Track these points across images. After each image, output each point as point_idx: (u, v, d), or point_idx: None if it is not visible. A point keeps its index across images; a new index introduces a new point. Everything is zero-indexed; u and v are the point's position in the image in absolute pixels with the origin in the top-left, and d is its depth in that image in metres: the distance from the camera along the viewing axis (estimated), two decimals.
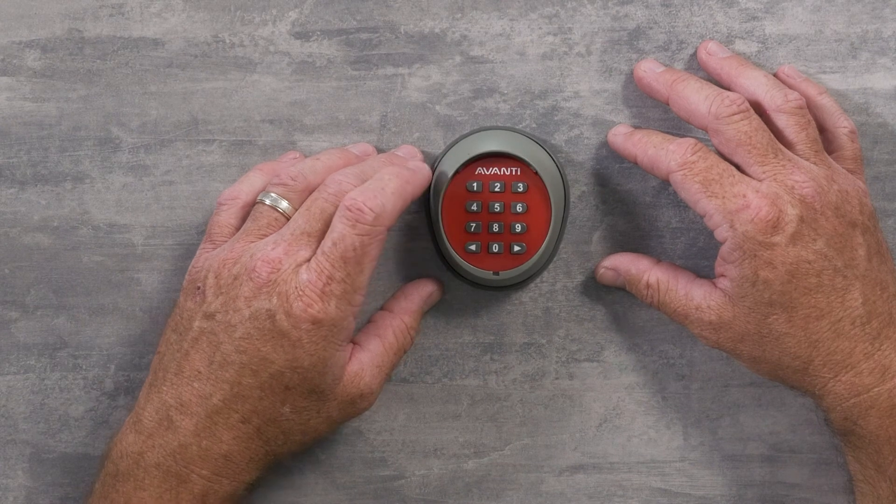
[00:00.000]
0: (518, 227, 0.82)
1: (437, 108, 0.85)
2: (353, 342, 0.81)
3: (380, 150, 0.85)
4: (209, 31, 0.85)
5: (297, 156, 0.84)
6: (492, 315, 0.87)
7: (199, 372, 0.77)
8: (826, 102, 0.83)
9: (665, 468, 0.87)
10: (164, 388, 0.78)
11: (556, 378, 0.87)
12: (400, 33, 0.85)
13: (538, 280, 0.86)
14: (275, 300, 0.76)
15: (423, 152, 0.85)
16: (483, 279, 0.83)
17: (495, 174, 0.82)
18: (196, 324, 0.78)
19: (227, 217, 0.82)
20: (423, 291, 0.85)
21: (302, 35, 0.85)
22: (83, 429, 0.87)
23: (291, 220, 0.78)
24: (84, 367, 0.87)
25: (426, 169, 0.80)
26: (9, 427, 0.87)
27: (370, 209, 0.76)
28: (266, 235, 0.79)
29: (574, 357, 0.87)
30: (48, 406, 0.87)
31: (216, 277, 0.78)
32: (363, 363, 0.80)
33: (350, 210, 0.76)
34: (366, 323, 0.84)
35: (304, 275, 0.76)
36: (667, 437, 0.87)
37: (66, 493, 0.87)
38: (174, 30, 0.85)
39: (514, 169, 0.82)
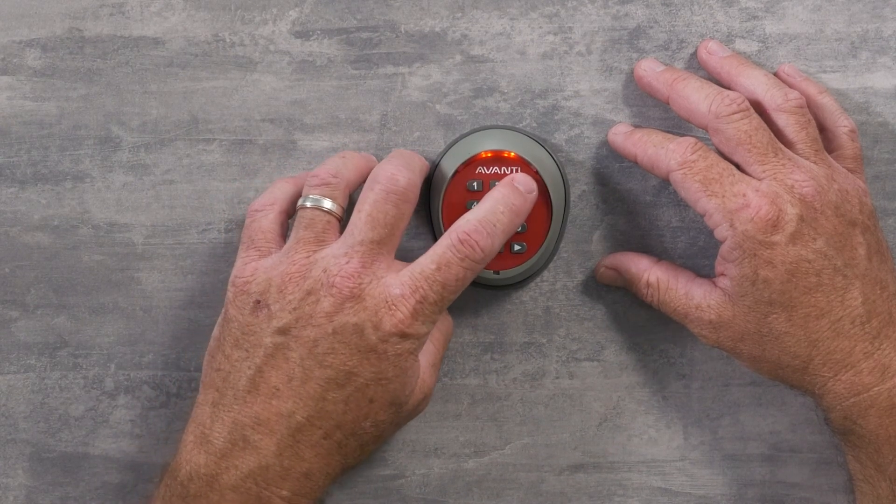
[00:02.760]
0: (518, 227, 0.83)
1: (438, 107, 0.85)
2: None
3: (380, 150, 0.85)
4: (209, 30, 0.85)
5: None
6: (492, 314, 0.87)
7: (278, 389, 0.76)
8: (826, 101, 0.83)
9: (665, 467, 0.87)
10: (236, 407, 0.76)
11: (557, 377, 0.87)
12: (400, 32, 0.85)
13: (538, 279, 0.86)
14: (362, 314, 0.75)
15: (423, 151, 0.85)
16: (483, 279, 0.83)
17: (495, 173, 0.82)
18: (267, 339, 0.76)
19: (268, 223, 0.80)
20: None
21: (302, 34, 0.85)
22: (83, 428, 0.87)
23: (354, 226, 0.77)
24: (84, 366, 0.87)
25: (534, 186, 0.80)
26: (9, 427, 0.87)
27: (482, 249, 0.76)
28: (324, 241, 0.77)
29: (574, 356, 0.87)
30: (48, 405, 0.87)
31: (280, 292, 0.76)
32: (424, 367, 0.80)
33: (463, 244, 0.76)
34: None
35: (396, 289, 0.75)
36: (667, 437, 0.87)
37: (66, 493, 0.87)
38: (174, 29, 0.85)
39: (514, 168, 0.82)
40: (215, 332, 0.79)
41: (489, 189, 0.82)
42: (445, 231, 0.79)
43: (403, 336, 0.75)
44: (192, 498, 0.76)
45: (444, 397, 0.87)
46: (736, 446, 0.87)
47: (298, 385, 0.76)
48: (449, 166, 0.82)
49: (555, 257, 0.86)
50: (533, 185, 0.79)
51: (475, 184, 0.82)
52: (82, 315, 0.86)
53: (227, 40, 0.85)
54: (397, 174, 0.77)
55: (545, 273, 0.86)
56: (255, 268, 0.78)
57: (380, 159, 0.84)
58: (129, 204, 0.86)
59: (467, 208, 0.82)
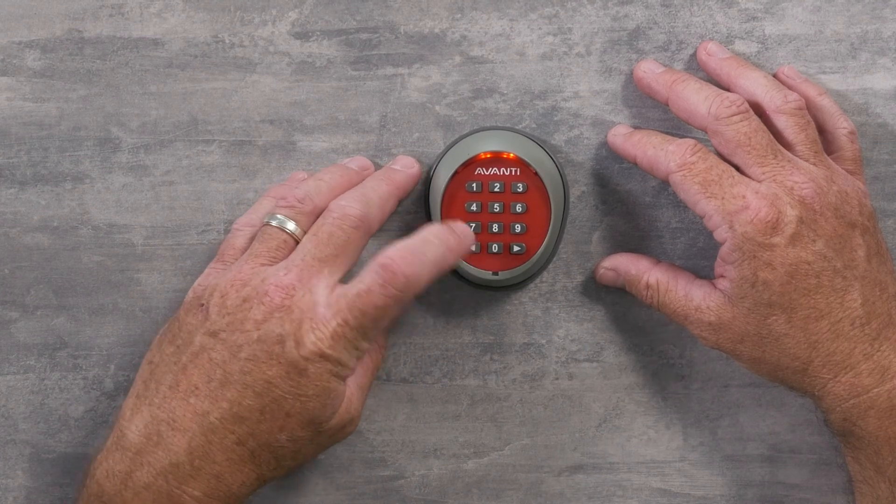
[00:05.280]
0: (518, 228, 0.83)
1: (437, 108, 0.85)
2: None
3: (379, 151, 0.85)
4: (209, 31, 0.85)
5: (305, 177, 0.84)
6: (492, 315, 0.87)
7: (197, 388, 0.76)
8: (825, 103, 0.83)
9: (665, 468, 0.87)
10: (157, 401, 0.76)
11: (556, 378, 0.87)
12: (400, 33, 0.85)
13: (538, 280, 0.86)
14: (287, 326, 0.75)
15: (423, 152, 0.85)
16: (483, 279, 0.83)
17: (495, 174, 0.82)
18: (197, 339, 0.77)
19: (243, 241, 0.81)
20: None
21: (302, 35, 0.85)
22: (83, 429, 0.87)
23: (301, 244, 0.78)
24: (84, 367, 0.87)
25: (472, 236, 0.78)
26: (9, 427, 0.87)
27: (405, 276, 0.74)
28: (276, 258, 0.78)
29: (574, 357, 0.87)
30: (48, 406, 0.87)
31: (222, 297, 0.77)
32: (351, 388, 0.79)
33: (384, 269, 0.74)
34: None
35: (321, 308, 0.75)
36: (666, 438, 0.87)
37: (66, 493, 0.87)
38: (174, 30, 0.85)
39: (513, 169, 0.82)
40: (162, 328, 0.80)
41: (489, 191, 0.82)
42: None
43: (323, 357, 0.75)
44: (108, 496, 0.76)
45: (443, 398, 0.87)
46: (735, 447, 0.87)
47: (217, 387, 0.76)
48: (448, 167, 0.82)
49: (554, 258, 0.86)
50: (470, 234, 0.78)
51: (474, 185, 0.82)
52: (82, 316, 0.86)
53: (227, 41, 0.85)
54: (349, 206, 0.78)
55: (544, 274, 0.86)
56: (213, 277, 0.79)
57: (377, 162, 0.85)
58: (129, 205, 0.86)
59: (466, 210, 0.82)
